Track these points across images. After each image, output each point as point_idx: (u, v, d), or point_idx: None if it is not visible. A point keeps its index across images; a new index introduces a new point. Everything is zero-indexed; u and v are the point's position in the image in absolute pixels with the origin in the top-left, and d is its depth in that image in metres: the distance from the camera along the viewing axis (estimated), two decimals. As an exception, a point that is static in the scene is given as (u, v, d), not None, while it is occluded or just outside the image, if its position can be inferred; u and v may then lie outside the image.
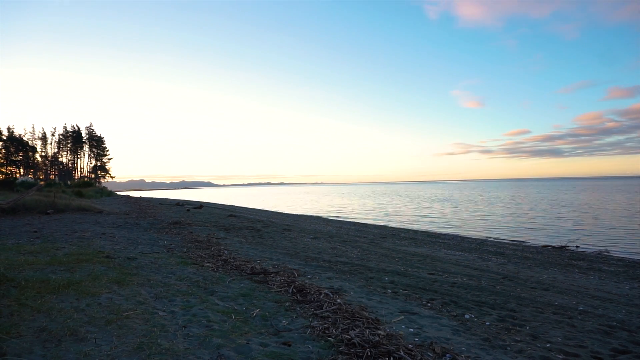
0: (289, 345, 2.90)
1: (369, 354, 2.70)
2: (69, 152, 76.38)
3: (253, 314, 3.63)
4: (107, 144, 79.71)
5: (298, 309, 3.83)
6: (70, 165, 76.58)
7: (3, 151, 62.97)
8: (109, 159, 79.47)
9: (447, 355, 2.82)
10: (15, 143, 64.63)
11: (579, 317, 4.35)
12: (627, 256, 11.62)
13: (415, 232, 17.20)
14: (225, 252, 7.19)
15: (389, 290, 4.98)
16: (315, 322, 3.43)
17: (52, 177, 72.35)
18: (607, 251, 12.38)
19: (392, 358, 2.66)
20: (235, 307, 3.81)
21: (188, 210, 20.39)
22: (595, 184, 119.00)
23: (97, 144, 77.70)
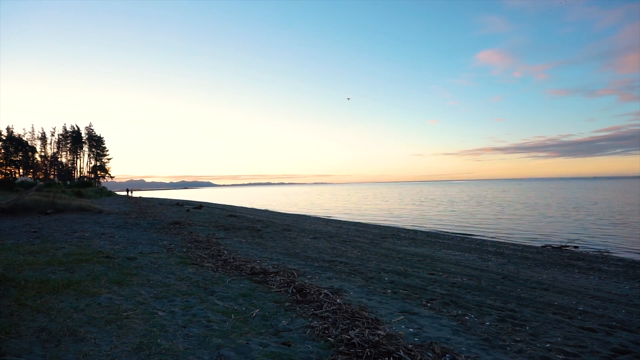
0: (289, 346, 2.89)
1: (369, 354, 2.70)
2: (68, 152, 76.31)
3: (253, 314, 3.63)
4: (107, 144, 79.74)
5: (298, 309, 3.83)
6: (69, 165, 76.51)
7: (2, 151, 62.94)
8: (108, 159, 79.43)
9: (447, 355, 2.82)
10: (14, 143, 64.59)
11: (579, 317, 4.35)
12: (627, 256, 11.62)
13: (415, 232, 17.20)
14: (225, 252, 7.19)
15: (389, 290, 4.97)
16: (315, 322, 3.42)
17: (51, 177, 72.29)
18: (607, 251, 12.38)
19: (392, 358, 2.66)
20: (235, 307, 3.81)
21: (188, 210, 20.39)
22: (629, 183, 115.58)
23: (96, 144, 77.65)
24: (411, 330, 3.42)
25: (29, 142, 69.65)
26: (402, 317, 3.81)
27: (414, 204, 39.78)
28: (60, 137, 75.20)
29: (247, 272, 5.47)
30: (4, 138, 62.79)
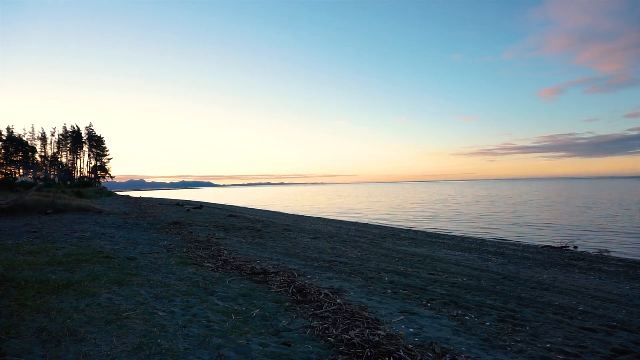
0: (289, 346, 2.89)
1: (369, 354, 2.70)
2: (68, 152, 76.29)
3: (253, 314, 3.63)
4: (107, 144, 79.71)
5: (298, 309, 3.83)
6: (69, 165, 76.48)
7: (3, 151, 62.95)
8: (108, 159, 79.43)
9: (447, 355, 2.82)
10: (14, 143, 64.62)
11: (580, 317, 4.35)
12: (627, 256, 11.62)
13: (415, 232, 17.20)
14: (225, 252, 7.19)
15: (389, 290, 4.97)
16: (315, 322, 3.42)
17: (51, 177, 72.27)
18: (607, 251, 12.38)
19: (392, 358, 2.66)
20: (235, 307, 3.81)
21: (188, 210, 20.38)
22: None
23: (96, 144, 77.64)
24: (411, 330, 3.42)
25: (29, 142, 69.69)
26: (402, 317, 3.81)
27: (411, 204, 39.79)
28: (60, 137, 75.21)
29: (247, 272, 5.47)
30: (4, 138, 62.82)
